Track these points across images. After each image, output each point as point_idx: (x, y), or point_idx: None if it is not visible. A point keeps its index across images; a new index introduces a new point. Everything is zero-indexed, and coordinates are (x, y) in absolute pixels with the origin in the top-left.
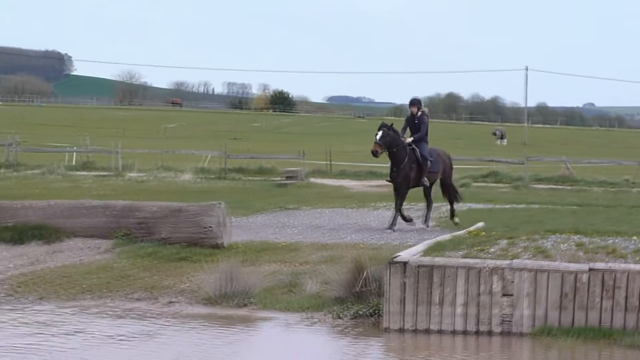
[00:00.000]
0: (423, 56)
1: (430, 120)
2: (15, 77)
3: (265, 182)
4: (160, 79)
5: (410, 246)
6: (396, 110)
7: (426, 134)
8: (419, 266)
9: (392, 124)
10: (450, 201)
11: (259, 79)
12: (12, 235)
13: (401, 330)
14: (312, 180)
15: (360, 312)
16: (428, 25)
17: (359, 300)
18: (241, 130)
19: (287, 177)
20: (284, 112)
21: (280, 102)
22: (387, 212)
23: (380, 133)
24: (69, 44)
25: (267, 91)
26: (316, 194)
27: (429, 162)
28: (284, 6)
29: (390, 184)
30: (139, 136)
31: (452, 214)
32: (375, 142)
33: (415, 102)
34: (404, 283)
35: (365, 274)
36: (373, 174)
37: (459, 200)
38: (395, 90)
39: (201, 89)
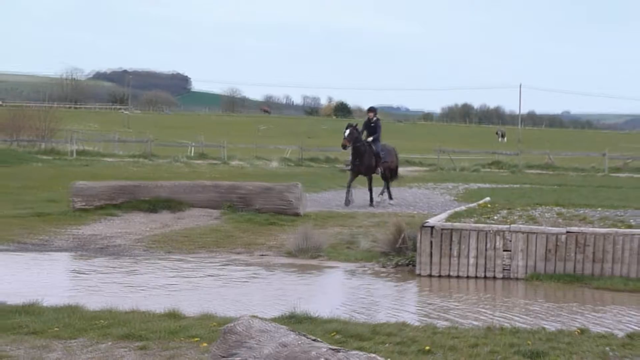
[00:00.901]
0: (444, 73)
1: (448, 123)
2: (150, 92)
3: (330, 169)
4: (254, 93)
5: (435, 215)
6: (425, 115)
7: (380, 134)
8: (442, 229)
9: (356, 124)
10: (388, 181)
11: (326, 93)
12: (148, 206)
13: (429, 276)
14: None
15: (400, 263)
16: (449, 52)
17: (398, 254)
18: (313, 131)
19: (346, 165)
20: (344, 117)
21: (341, 109)
22: (418, 191)
23: (348, 131)
24: (190, 68)
25: (332, 102)
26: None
27: (381, 155)
28: (347, 41)
29: (348, 170)
30: (239, 134)
31: (390, 195)
32: (345, 138)
33: (372, 110)
34: (432, 242)
35: (403, 235)
36: (408, 162)
37: (394, 180)
38: (424, 100)
39: (284, 100)
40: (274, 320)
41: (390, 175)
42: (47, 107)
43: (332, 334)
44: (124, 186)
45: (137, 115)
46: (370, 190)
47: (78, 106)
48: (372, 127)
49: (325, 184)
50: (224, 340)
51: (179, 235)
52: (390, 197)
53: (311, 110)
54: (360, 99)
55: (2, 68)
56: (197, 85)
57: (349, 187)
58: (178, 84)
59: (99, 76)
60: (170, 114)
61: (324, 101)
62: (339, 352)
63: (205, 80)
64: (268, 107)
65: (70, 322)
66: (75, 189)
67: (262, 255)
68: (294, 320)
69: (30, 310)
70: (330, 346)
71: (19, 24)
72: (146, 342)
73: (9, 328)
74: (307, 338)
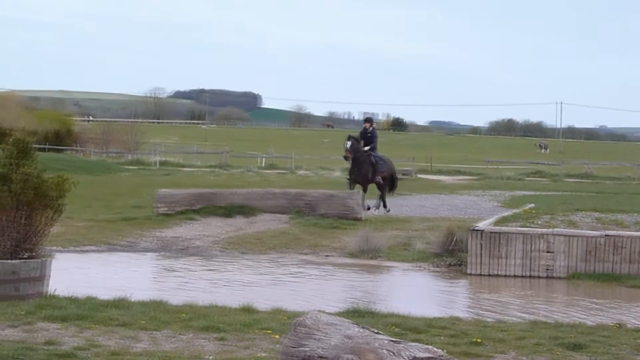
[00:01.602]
0: (491, 91)
1: (494, 137)
2: (224, 109)
3: None
4: (318, 109)
5: (483, 220)
6: (474, 129)
7: (376, 144)
8: (490, 232)
9: (357, 136)
10: (383, 190)
11: (384, 109)
12: (224, 211)
13: (479, 275)
14: (419, 176)
15: (451, 263)
16: (495, 71)
17: (450, 255)
18: None
19: (403, 174)
20: (399, 131)
21: (397, 124)
22: (468, 197)
23: (349, 142)
24: (260, 87)
25: (388, 117)
26: (421, 185)
27: (379, 165)
28: (402, 63)
29: (347, 180)
30: (305, 147)
31: (384, 203)
32: (347, 150)
33: (368, 120)
34: (481, 244)
35: (455, 238)
36: (459, 172)
37: (393, 190)
38: (473, 115)
39: (345, 116)
40: (339, 314)
41: (388, 185)
42: (133, 122)
43: (392, 327)
44: (202, 193)
45: (213, 130)
46: (362, 197)
47: (160, 122)
48: (369, 137)
49: None
50: (295, 333)
51: (252, 237)
52: (385, 206)
53: None
54: (415, 115)
55: (95, 88)
56: (267, 103)
57: (349, 185)
58: (250, 101)
59: (179, 95)
60: (243, 128)
61: (381, 117)
62: (399, 343)
63: (274, 97)
64: (331, 122)
65: (156, 315)
66: (159, 196)
67: (327, 256)
68: (357, 315)
69: (119, 304)
70: (391, 338)
71: (113, 51)
72: (224, 334)
73: (101, 320)
74: (370, 330)
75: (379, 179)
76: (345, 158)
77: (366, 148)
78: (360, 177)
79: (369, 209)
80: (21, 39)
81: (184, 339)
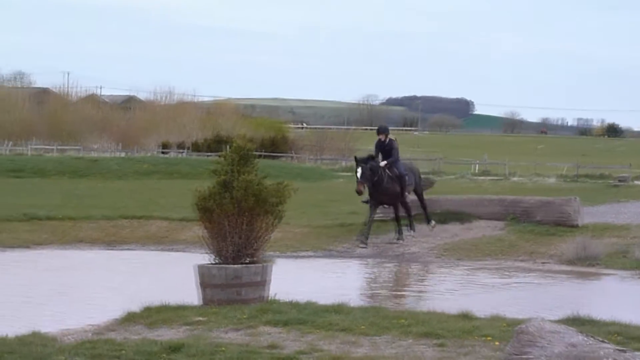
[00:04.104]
0: None
1: None
2: (436, 115)
3: (603, 184)
4: (531, 116)
5: None
6: None
7: (398, 155)
8: None
9: (369, 155)
10: (423, 207)
11: (598, 115)
12: (439, 218)
13: None
14: (636, 182)
15: None
16: None
17: None
18: (586, 150)
19: (619, 180)
20: (615, 137)
21: (612, 130)
22: None
23: (360, 170)
24: (473, 93)
25: (603, 123)
26: (639, 192)
27: (406, 177)
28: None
29: (366, 204)
30: (518, 153)
31: (428, 219)
32: (358, 181)
33: (383, 130)
34: None
35: None
36: None
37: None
38: None
39: (559, 122)
40: (558, 322)
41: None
42: (346, 129)
43: (614, 336)
44: (417, 200)
45: (426, 136)
46: (398, 219)
47: (373, 128)
48: (387, 150)
49: (600, 198)
50: (517, 340)
51: (468, 244)
52: (411, 229)
53: (584, 130)
54: (631, 120)
55: (309, 95)
56: (479, 109)
57: (368, 222)
58: (462, 107)
59: (391, 101)
60: (455, 134)
61: (595, 122)
62: (625, 352)
63: (487, 104)
64: (545, 128)
65: (375, 321)
66: None
67: (544, 263)
68: (577, 323)
69: (339, 309)
70: (616, 347)
71: (326, 59)
72: (443, 340)
73: (322, 325)
74: (595, 339)
75: (406, 195)
76: (358, 193)
77: (383, 163)
78: (388, 196)
79: (399, 237)
80: (237, 49)
81: (403, 344)
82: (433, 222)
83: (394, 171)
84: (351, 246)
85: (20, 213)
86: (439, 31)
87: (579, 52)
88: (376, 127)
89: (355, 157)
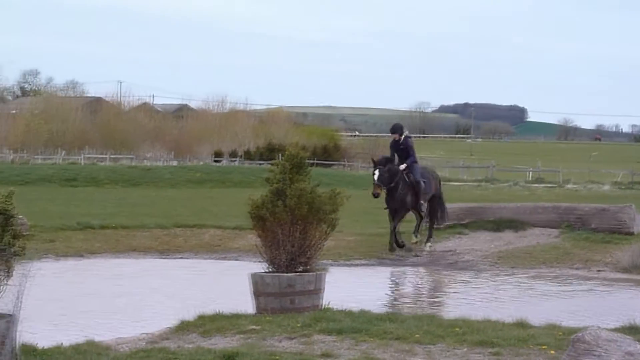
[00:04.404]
0: None
1: None
2: (489, 123)
3: None
4: (585, 123)
5: None
6: None
7: (415, 155)
8: None
9: (387, 157)
10: (431, 220)
11: None
12: (492, 226)
13: None
14: None
15: None
16: None
17: None
18: None
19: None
20: None
21: None
22: None
23: (377, 172)
24: (526, 100)
25: None
26: None
27: (422, 184)
28: None
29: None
30: (572, 160)
31: (429, 237)
32: (375, 184)
33: (396, 129)
34: None
35: None
36: None
37: (443, 222)
38: None
39: (613, 129)
40: (614, 330)
41: (430, 208)
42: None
43: None
44: (471, 208)
45: (479, 144)
46: (418, 226)
47: (426, 136)
48: (402, 149)
49: None
50: (574, 349)
51: (522, 252)
52: (429, 239)
53: (639, 137)
54: None
55: (360, 103)
56: (532, 116)
57: (392, 230)
58: (515, 115)
59: (444, 109)
60: (509, 142)
61: None
62: None
63: (540, 111)
64: (599, 135)
65: (430, 329)
66: None
67: (599, 271)
68: (634, 331)
69: (393, 317)
70: None
71: (377, 66)
72: (499, 349)
73: (376, 333)
74: None
75: (422, 204)
76: (375, 195)
77: (402, 167)
78: (398, 204)
79: (401, 245)
80: (287, 57)
81: (458, 353)
82: (430, 244)
83: (410, 177)
84: (404, 254)
85: (74, 222)
86: (490, 38)
87: (632, 57)
88: (426, 134)
89: (373, 159)
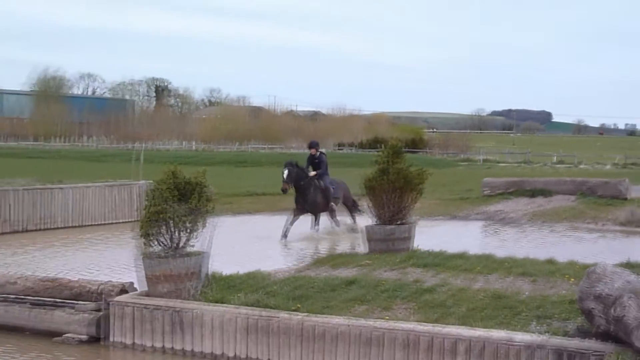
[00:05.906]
0: None
1: None
2: (526, 122)
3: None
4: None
5: None
6: None
7: (326, 169)
8: None
9: (296, 162)
10: (350, 211)
11: None
12: (529, 193)
13: None
14: None
15: None
16: None
17: None
18: (633, 145)
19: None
20: None
21: None
22: None
23: (286, 171)
24: (552, 106)
25: None
26: None
27: (332, 189)
28: None
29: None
30: (584, 148)
31: (354, 220)
32: (283, 181)
33: (314, 145)
34: None
35: None
36: None
37: (359, 212)
38: None
39: (612, 126)
40: (616, 265)
41: (351, 207)
42: (463, 133)
43: None
44: (514, 181)
45: (519, 137)
46: (316, 220)
47: (482, 132)
48: (317, 163)
49: None
50: (588, 278)
51: (550, 211)
52: (354, 222)
53: (631, 132)
54: None
55: (438, 109)
56: (556, 118)
57: (288, 222)
58: (544, 116)
59: (495, 113)
60: (540, 136)
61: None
62: None
63: (562, 114)
64: (602, 131)
65: (487, 264)
66: (484, 183)
67: (604, 224)
68: (630, 266)
69: (461, 256)
70: None
71: (450, 81)
72: (535, 277)
73: (450, 267)
74: None
75: (332, 206)
76: (283, 191)
77: (312, 173)
78: (308, 204)
79: (285, 236)
80: (386, 78)
81: (507, 280)
82: (355, 224)
83: (321, 183)
84: (469, 213)
85: (244, 190)
86: (528, 63)
87: (629, 76)
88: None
89: (285, 162)
